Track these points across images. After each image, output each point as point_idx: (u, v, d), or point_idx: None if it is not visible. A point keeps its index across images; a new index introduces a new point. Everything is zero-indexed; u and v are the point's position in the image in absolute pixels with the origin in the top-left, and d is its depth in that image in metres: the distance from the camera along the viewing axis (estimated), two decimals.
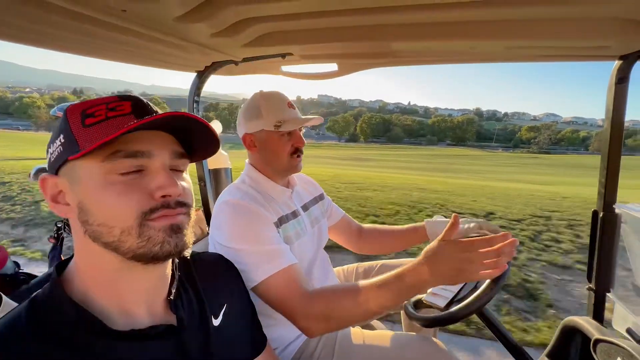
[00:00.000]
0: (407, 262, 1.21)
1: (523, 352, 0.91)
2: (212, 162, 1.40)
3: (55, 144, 0.45)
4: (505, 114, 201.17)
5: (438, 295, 0.93)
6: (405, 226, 1.22)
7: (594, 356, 0.89)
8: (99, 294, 0.46)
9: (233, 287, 0.66)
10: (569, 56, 0.92)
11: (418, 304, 0.97)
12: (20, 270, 0.92)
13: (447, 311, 0.85)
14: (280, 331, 0.92)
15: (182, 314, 0.51)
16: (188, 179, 0.52)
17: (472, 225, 0.97)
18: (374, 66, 1.16)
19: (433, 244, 0.71)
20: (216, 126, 1.49)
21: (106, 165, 0.42)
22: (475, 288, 0.89)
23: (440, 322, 0.84)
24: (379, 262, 1.25)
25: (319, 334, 0.81)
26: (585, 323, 1.02)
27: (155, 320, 0.49)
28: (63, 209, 0.45)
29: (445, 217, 1.12)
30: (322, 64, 1.17)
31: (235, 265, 0.75)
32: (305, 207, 1.09)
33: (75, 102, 0.47)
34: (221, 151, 1.50)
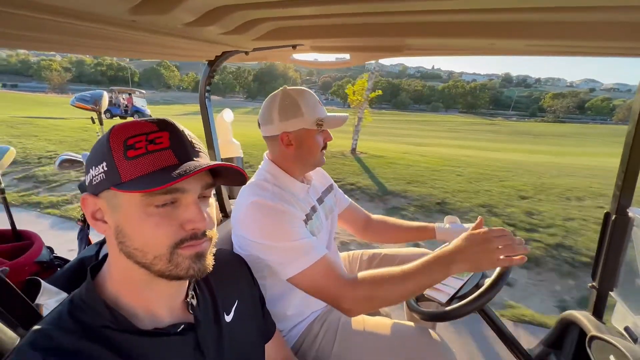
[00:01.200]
0: (409, 251, 1.27)
1: (523, 351, 0.96)
2: (224, 151, 1.42)
3: (97, 169, 0.48)
4: (538, 80, 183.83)
5: (440, 291, 0.96)
6: (415, 224, 1.26)
7: (588, 351, 0.92)
8: (128, 298, 0.52)
9: (244, 283, 0.72)
10: (595, 53, 0.86)
11: (420, 297, 1.02)
12: (54, 255, 1.01)
13: (448, 307, 0.88)
14: (287, 317, 1.00)
15: (198, 313, 0.58)
16: (212, 202, 0.56)
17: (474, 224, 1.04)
18: (388, 57, 1.11)
19: (460, 237, 0.81)
20: (227, 114, 1.50)
21: (145, 199, 0.46)
22: (477, 286, 0.92)
23: (440, 318, 0.88)
24: (382, 251, 1.30)
25: (360, 314, 0.90)
26: (584, 318, 1.05)
27: (175, 319, 0.55)
28: (101, 226, 0.50)
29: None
30: (334, 54, 1.14)
31: (270, 258, 0.84)
32: (320, 200, 1.12)
33: (118, 125, 0.49)
34: (233, 140, 1.52)
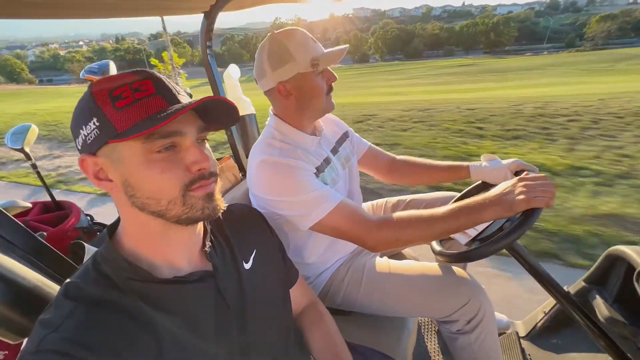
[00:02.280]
0: (436, 195, 1.22)
1: (556, 285, 0.91)
2: None
3: (88, 127, 0.47)
4: (591, 1, 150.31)
5: (462, 233, 0.93)
6: (446, 163, 1.18)
7: (636, 286, 0.86)
8: (146, 251, 0.54)
9: (261, 233, 0.73)
10: None
11: (442, 239, 0.99)
12: (94, 221, 1.10)
13: (471, 248, 0.84)
14: (312, 264, 1.02)
15: (216, 261, 0.59)
16: (208, 147, 0.55)
17: (510, 161, 1.02)
18: None
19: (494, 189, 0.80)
20: (234, 70, 1.45)
21: (146, 146, 0.46)
22: (501, 229, 0.87)
23: (464, 259, 0.85)
24: (407, 197, 1.26)
25: (386, 250, 0.95)
26: (634, 253, 0.96)
27: (194, 268, 0.57)
28: (107, 185, 0.50)
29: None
30: None
31: (288, 213, 0.85)
32: (334, 150, 1.07)
33: (97, 81, 0.48)
34: (243, 97, 1.48)
